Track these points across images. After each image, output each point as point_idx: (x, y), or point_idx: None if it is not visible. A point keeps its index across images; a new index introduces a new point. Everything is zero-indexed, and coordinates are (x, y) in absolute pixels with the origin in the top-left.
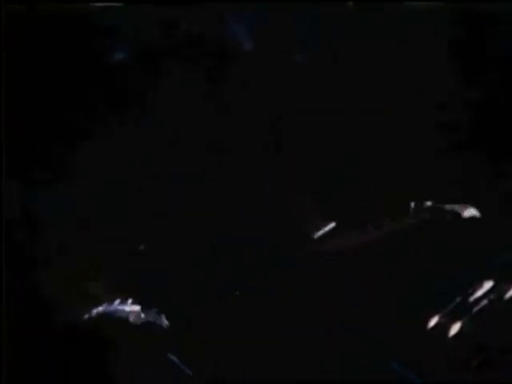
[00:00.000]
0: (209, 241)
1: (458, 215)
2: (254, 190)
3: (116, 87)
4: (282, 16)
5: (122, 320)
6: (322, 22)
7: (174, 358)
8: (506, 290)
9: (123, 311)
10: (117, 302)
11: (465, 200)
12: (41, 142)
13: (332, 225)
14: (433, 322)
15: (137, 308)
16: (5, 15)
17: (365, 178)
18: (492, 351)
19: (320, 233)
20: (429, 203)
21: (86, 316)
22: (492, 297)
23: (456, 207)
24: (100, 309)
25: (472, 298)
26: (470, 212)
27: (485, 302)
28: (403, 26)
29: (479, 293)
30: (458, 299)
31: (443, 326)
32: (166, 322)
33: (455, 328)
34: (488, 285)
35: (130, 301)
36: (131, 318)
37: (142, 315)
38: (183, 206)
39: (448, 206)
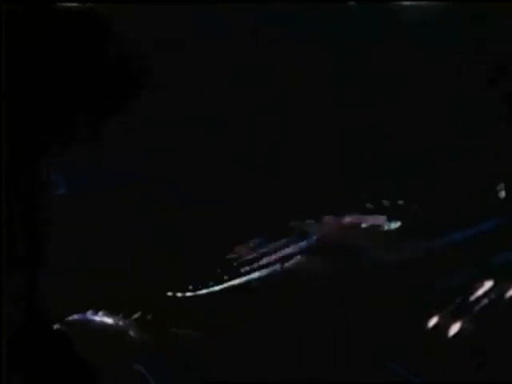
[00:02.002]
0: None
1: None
2: None
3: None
4: None
5: (92, 329)
6: (322, 22)
7: (140, 367)
8: (507, 290)
9: (94, 321)
10: (89, 312)
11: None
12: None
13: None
14: (433, 322)
15: (107, 319)
16: (4, 15)
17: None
18: (492, 351)
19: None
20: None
21: (62, 323)
22: (492, 296)
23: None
24: (74, 317)
25: (472, 298)
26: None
27: (485, 301)
28: (404, 25)
29: (479, 292)
30: (459, 299)
31: (443, 326)
32: (135, 334)
33: (455, 328)
34: (488, 284)
35: (101, 312)
36: (101, 328)
37: (112, 325)
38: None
39: None
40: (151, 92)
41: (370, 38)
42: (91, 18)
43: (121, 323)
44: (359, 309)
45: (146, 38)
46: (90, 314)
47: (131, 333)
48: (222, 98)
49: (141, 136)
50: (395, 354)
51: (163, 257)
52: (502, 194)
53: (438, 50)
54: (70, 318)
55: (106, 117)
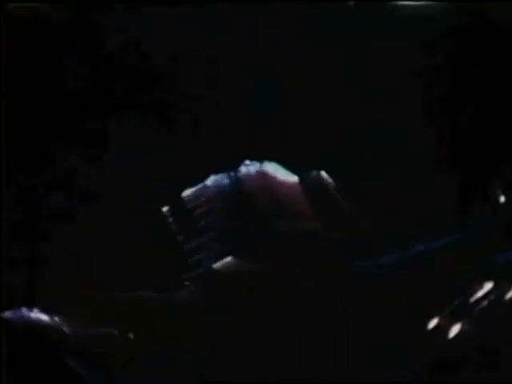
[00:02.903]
0: None
1: None
2: None
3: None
4: None
5: (26, 325)
6: (322, 22)
7: (76, 364)
8: (507, 291)
9: (28, 317)
10: (24, 309)
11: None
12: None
13: None
14: (433, 322)
15: (41, 316)
16: (4, 15)
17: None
18: (492, 351)
19: None
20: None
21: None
22: (492, 297)
23: None
24: (8, 313)
25: (472, 299)
26: None
27: (485, 302)
28: (404, 25)
29: (480, 293)
30: (459, 300)
31: (443, 327)
32: (68, 330)
33: (455, 329)
34: (488, 285)
35: (35, 309)
36: (34, 324)
37: (46, 322)
38: None
39: None
40: (151, 92)
41: (369, 37)
42: (92, 17)
43: (56, 319)
44: (359, 309)
45: (146, 38)
46: (24, 310)
47: (66, 329)
48: (222, 98)
49: (140, 136)
50: (395, 354)
51: (163, 257)
52: (501, 195)
53: (437, 50)
54: (5, 313)
55: (106, 117)
